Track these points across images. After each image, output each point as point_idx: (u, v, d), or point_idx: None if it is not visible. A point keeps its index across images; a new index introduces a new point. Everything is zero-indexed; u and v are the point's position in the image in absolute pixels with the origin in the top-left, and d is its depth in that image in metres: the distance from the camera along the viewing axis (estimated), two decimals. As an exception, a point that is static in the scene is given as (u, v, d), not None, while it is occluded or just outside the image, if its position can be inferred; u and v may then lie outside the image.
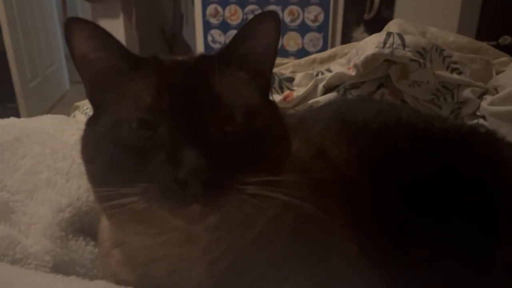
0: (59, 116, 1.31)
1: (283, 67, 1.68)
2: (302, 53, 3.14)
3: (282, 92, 1.58)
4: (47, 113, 1.32)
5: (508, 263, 0.84)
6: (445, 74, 1.44)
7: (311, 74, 1.60)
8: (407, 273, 0.79)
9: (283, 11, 3.16)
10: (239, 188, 0.59)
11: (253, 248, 0.70)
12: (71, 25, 0.63)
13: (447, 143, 0.93)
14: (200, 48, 3.38)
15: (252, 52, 0.68)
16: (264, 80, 0.71)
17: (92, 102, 0.69)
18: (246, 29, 0.67)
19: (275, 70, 1.57)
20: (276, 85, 1.58)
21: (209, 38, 3.35)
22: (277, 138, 0.68)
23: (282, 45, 3.20)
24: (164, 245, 0.67)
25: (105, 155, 0.63)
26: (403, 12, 2.84)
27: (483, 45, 1.64)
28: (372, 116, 0.97)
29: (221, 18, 3.28)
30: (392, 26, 1.61)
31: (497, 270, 0.84)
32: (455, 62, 1.46)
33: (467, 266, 0.82)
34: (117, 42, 0.65)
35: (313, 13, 3.14)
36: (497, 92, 1.38)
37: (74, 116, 1.54)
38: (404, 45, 1.39)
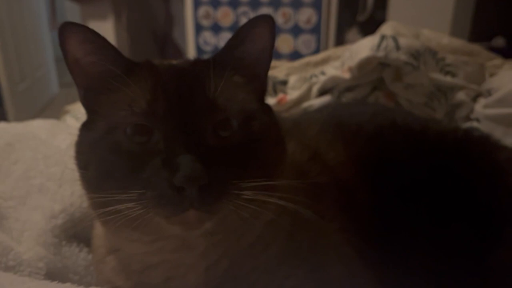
0: (50, 121, 1.30)
1: (277, 70, 1.68)
2: (295, 55, 3.14)
3: (276, 95, 1.58)
4: (36, 116, 1.31)
5: (503, 266, 0.84)
6: (439, 76, 1.44)
7: (305, 77, 1.59)
8: (402, 276, 0.79)
9: (275, 13, 3.16)
10: (235, 193, 0.59)
11: (250, 253, 0.70)
12: (65, 29, 0.63)
13: (442, 146, 0.94)
14: (191, 50, 3.37)
15: (248, 55, 0.68)
16: (260, 84, 0.71)
17: (86, 106, 0.68)
18: (241, 32, 0.67)
19: (268, 73, 1.57)
20: (270, 88, 1.57)
21: (201, 40, 3.34)
22: (273, 142, 0.68)
23: (275, 47, 3.20)
24: (160, 252, 0.67)
25: (100, 161, 0.62)
26: (396, 14, 2.85)
27: (476, 47, 1.64)
28: (367, 119, 0.97)
29: (213, 20, 3.28)
30: (386, 29, 1.61)
31: (492, 273, 0.84)
32: (448, 65, 1.46)
33: (462, 269, 0.83)
34: (112, 47, 0.65)
35: (305, 14, 3.15)
36: (491, 95, 1.38)
37: (65, 121, 1.53)
38: (398, 47, 1.40)
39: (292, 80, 1.59)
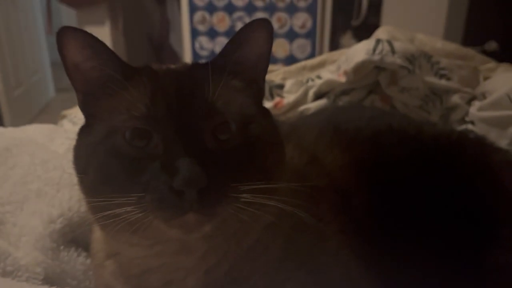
0: (47, 126, 1.29)
1: (273, 74, 1.68)
2: (290, 59, 3.16)
3: (273, 99, 1.58)
4: (32, 121, 1.31)
5: (498, 268, 0.84)
6: (434, 80, 1.45)
7: (301, 81, 1.60)
8: (400, 278, 0.79)
9: (270, 18, 3.17)
10: (235, 196, 0.59)
11: (249, 256, 0.70)
12: (64, 34, 0.62)
13: (438, 148, 0.94)
14: (187, 55, 3.37)
15: (246, 60, 0.68)
16: (258, 88, 0.72)
17: (84, 111, 0.68)
18: (239, 36, 0.67)
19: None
20: (266, 92, 1.58)
21: (197, 45, 3.35)
22: (271, 145, 0.68)
23: (271, 51, 3.21)
24: (159, 255, 0.67)
25: (99, 165, 0.62)
26: (390, 18, 2.87)
27: (470, 51, 1.66)
28: (364, 123, 0.98)
29: (209, 25, 3.28)
30: (381, 33, 1.62)
31: (488, 274, 0.84)
32: (443, 68, 1.47)
33: (458, 271, 0.83)
34: (110, 52, 0.65)
35: (300, 19, 3.16)
36: (485, 98, 1.40)
37: (62, 125, 1.52)
38: (393, 51, 1.41)
39: (289, 84, 1.60)
